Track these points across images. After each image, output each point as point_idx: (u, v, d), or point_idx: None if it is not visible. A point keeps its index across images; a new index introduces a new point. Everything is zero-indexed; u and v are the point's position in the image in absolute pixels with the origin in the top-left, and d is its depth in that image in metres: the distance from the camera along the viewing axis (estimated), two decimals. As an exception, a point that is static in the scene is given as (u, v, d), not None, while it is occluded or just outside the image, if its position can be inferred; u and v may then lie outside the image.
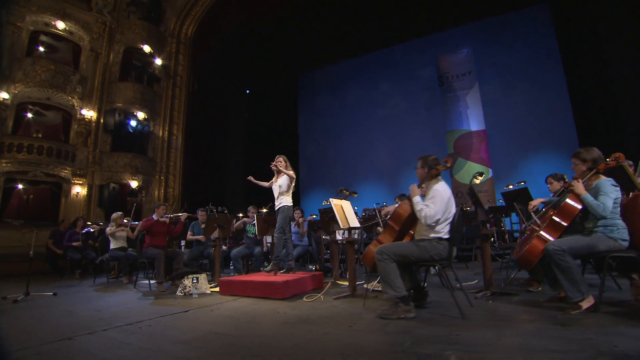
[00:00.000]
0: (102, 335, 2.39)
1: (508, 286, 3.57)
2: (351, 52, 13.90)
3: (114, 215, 5.83)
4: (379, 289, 3.90)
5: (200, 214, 5.87)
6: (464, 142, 10.73)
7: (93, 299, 4.11)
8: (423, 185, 2.88)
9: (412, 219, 2.84)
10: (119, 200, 8.86)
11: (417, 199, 2.77)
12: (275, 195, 4.54)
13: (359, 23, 12.60)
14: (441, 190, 2.75)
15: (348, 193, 3.97)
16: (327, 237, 6.73)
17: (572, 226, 2.69)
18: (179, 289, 4.08)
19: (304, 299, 3.59)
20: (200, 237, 5.67)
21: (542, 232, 2.69)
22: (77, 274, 6.37)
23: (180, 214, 5.15)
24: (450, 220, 2.72)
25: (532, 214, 2.97)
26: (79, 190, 8.44)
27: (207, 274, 4.45)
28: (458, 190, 10.69)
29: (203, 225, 5.86)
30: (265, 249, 5.95)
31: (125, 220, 5.79)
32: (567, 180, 3.68)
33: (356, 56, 14.07)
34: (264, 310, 3.08)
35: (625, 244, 2.50)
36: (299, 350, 1.95)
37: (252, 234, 6.08)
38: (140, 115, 9.21)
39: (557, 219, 2.65)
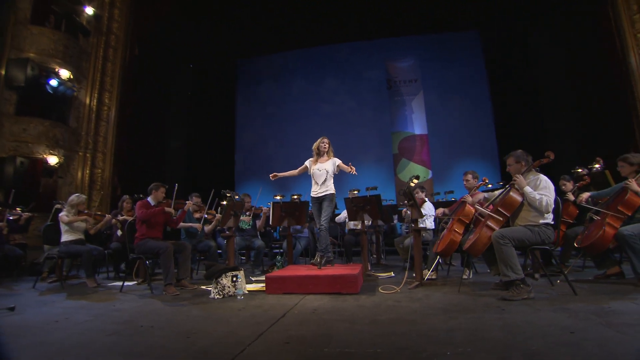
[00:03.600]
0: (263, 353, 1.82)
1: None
2: (297, 43, 13.59)
3: (75, 199, 4.42)
4: (434, 277, 4.01)
5: (195, 200, 4.92)
6: (407, 144, 11.71)
7: (100, 310, 3.04)
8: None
9: (520, 206, 3.01)
10: (29, 180, 6.69)
11: (528, 189, 2.93)
12: (320, 180, 4.16)
13: (308, 15, 12.45)
14: (548, 180, 2.98)
15: (417, 182, 3.93)
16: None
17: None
18: (215, 290, 3.35)
19: (380, 290, 3.41)
20: (196, 225, 4.76)
21: (609, 221, 3.20)
22: (-9, 279, 4.60)
23: (185, 202, 4.24)
24: (554, 207, 2.98)
25: (588, 206, 3.48)
26: (-36, 164, 6.02)
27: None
28: (400, 188, 11.65)
29: (196, 215, 4.97)
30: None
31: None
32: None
33: (302, 48, 13.87)
34: (373, 305, 2.82)
35: (667, 229, 3.18)
36: (524, 337, 1.87)
37: (248, 225, 5.42)
38: (64, 73, 7.13)
39: (622, 210, 3.18)
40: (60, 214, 4.39)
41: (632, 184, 3.22)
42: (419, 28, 11.88)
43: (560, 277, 3.30)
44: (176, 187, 4.24)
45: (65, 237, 4.39)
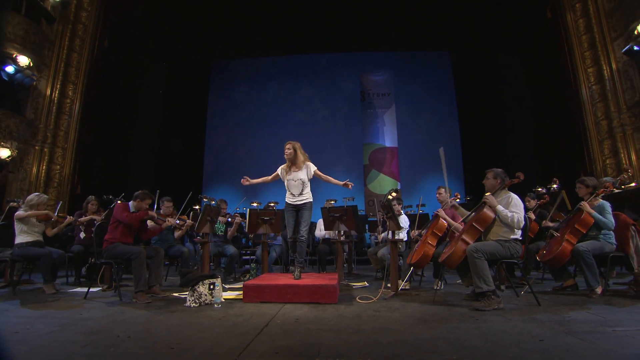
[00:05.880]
0: None
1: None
2: (275, 49, 13.62)
3: (35, 198, 4.08)
4: (407, 287, 4.15)
5: (166, 205, 4.73)
6: (378, 156, 12.03)
7: (66, 319, 2.84)
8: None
9: (492, 222, 3.22)
10: (-25, 175, 6.11)
11: (500, 207, 3.15)
12: (296, 192, 4.12)
13: (287, 22, 12.52)
14: (518, 198, 3.22)
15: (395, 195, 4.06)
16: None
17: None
18: (192, 298, 3.24)
19: (358, 300, 3.47)
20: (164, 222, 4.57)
21: (567, 237, 3.51)
22: None
23: (166, 218, 4.09)
24: (524, 224, 3.21)
25: (549, 224, 3.79)
26: None
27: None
28: (369, 199, 11.93)
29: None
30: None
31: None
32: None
33: (279, 55, 13.91)
34: (354, 315, 2.88)
35: (615, 247, 3.54)
36: (501, 345, 2.01)
37: (221, 231, 5.31)
38: (23, 60, 6.62)
39: (579, 228, 3.50)
40: (17, 212, 4.04)
41: (586, 205, 3.56)
42: (395, 44, 12.36)
43: (525, 288, 3.55)
44: (157, 194, 4.06)
45: (20, 239, 4.04)
